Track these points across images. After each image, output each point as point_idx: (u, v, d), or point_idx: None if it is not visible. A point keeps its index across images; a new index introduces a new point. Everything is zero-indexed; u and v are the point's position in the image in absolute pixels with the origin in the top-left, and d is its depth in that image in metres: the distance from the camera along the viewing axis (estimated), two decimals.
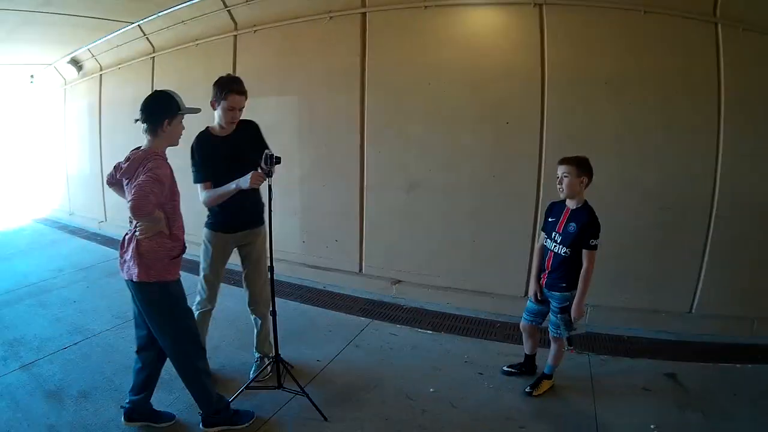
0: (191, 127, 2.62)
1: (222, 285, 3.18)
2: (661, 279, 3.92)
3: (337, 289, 4.66)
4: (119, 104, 6.15)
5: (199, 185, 2.83)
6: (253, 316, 3.20)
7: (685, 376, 3.30)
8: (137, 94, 5.50)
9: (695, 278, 3.89)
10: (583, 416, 2.87)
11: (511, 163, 4.12)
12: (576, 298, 2.81)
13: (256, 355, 3.25)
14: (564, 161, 2.83)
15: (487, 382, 3.19)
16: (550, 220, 2.96)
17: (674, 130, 3.76)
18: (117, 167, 2.39)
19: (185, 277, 2.55)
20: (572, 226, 2.80)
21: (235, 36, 4.88)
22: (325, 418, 2.73)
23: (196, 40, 5.05)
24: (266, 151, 2.70)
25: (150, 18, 4.91)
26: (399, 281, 4.53)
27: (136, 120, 2.34)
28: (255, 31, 4.76)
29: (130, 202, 2.16)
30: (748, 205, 3.74)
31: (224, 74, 2.85)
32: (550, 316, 2.98)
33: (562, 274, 2.85)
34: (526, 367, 3.25)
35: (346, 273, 4.71)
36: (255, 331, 3.23)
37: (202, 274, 3.03)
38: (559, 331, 2.93)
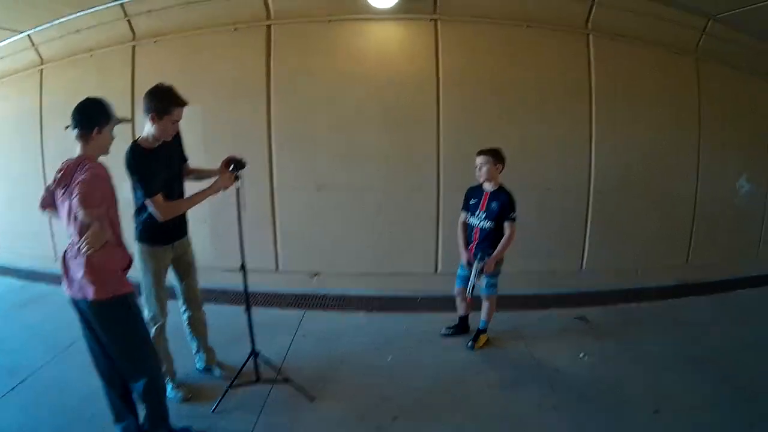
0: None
1: None
2: (555, 245, 4.75)
3: (258, 288, 4.49)
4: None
5: (150, 199, 2.65)
6: (189, 329, 3.21)
7: (593, 317, 4.17)
8: (20, 111, 5.15)
9: (581, 242, 4.81)
10: (522, 357, 3.52)
11: (412, 159, 4.62)
12: (494, 254, 3.41)
13: (202, 365, 3.28)
14: (482, 152, 3.45)
15: (432, 346, 3.68)
16: (471, 202, 3.56)
17: (560, 125, 4.64)
18: (49, 186, 2.32)
19: None
20: (494, 204, 3.42)
21: (134, 46, 4.68)
22: (312, 398, 2.94)
23: (91, 50, 4.76)
24: (233, 155, 2.90)
25: (42, 27, 4.57)
26: (317, 273, 4.75)
27: (67, 127, 2.26)
28: (155, 41, 4.64)
29: (76, 197, 2.07)
30: (616, 180, 4.75)
31: (158, 85, 2.72)
32: (483, 278, 3.51)
33: (489, 243, 3.46)
34: (461, 328, 3.81)
35: (264, 272, 4.66)
36: (195, 343, 3.25)
37: (148, 291, 2.88)
38: (491, 290, 3.55)
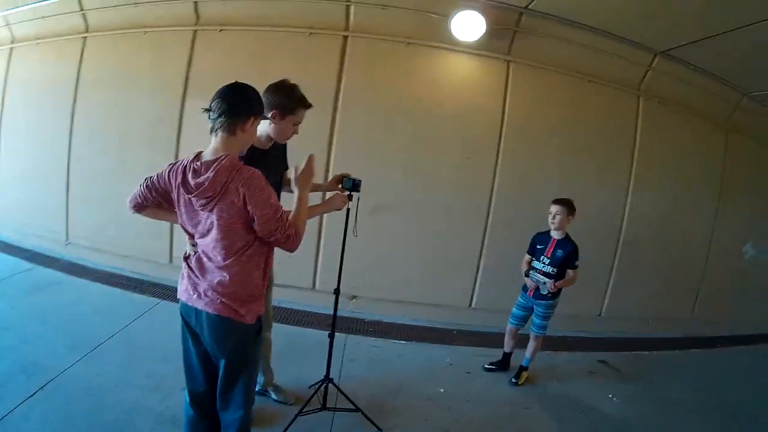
0: None
1: None
2: (581, 290, 4.78)
3: (292, 305, 4.63)
4: (32, 87, 5.14)
5: None
6: None
7: (613, 361, 4.48)
8: (57, 77, 4.87)
9: (604, 289, 5.16)
10: (560, 395, 3.75)
11: (466, 192, 4.74)
12: (559, 282, 3.60)
13: (259, 387, 3.03)
14: (559, 202, 3.62)
15: (478, 379, 3.83)
16: (538, 247, 3.73)
17: (602, 176, 4.95)
18: (178, 182, 1.93)
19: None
20: (560, 252, 3.61)
21: (195, 31, 4.53)
22: (380, 429, 2.93)
23: (146, 27, 4.54)
24: (347, 173, 2.79)
25: None
26: (355, 296, 4.78)
27: (206, 110, 1.94)
28: (221, 30, 4.50)
29: (262, 210, 1.87)
30: (643, 232, 5.12)
31: (284, 81, 2.51)
32: (534, 319, 3.76)
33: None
34: (503, 364, 4.00)
35: (301, 289, 4.73)
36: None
37: None
38: (541, 331, 3.76)
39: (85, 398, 2.78)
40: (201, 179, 1.86)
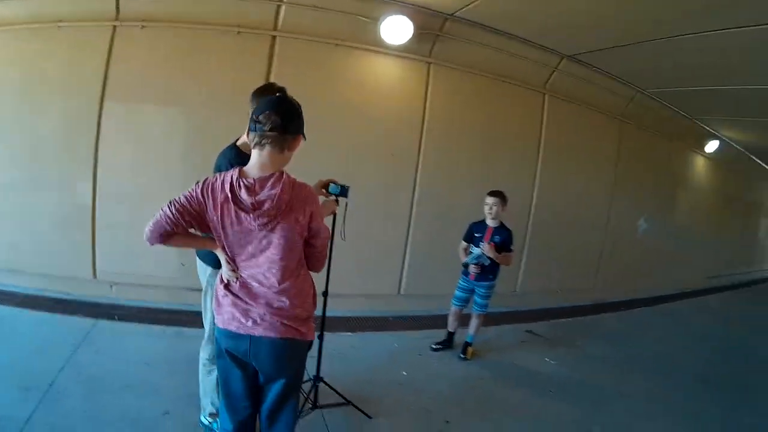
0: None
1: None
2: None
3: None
4: None
5: None
6: None
7: (537, 330, 5.16)
8: None
9: (518, 267, 5.78)
10: (505, 363, 4.27)
11: (390, 188, 5.03)
12: (496, 256, 3.99)
13: None
14: (495, 194, 4.06)
15: (429, 359, 4.17)
16: (476, 234, 4.14)
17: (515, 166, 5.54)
18: (220, 201, 1.79)
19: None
20: (497, 237, 4.06)
21: (115, 27, 4.24)
22: (370, 417, 3.10)
23: (61, 20, 4.17)
24: (336, 181, 2.85)
25: None
26: None
27: (255, 121, 1.79)
28: (143, 26, 4.25)
29: (320, 231, 1.91)
30: (548, 215, 5.81)
31: (277, 84, 2.67)
32: (476, 299, 4.21)
33: (488, 270, 4.10)
34: (448, 342, 4.39)
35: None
36: None
37: None
38: (483, 309, 4.22)
39: None
40: (263, 196, 1.77)
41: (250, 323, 1.87)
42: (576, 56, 5.33)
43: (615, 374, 4.30)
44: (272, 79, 4.39)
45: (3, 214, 4.41)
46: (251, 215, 1.77)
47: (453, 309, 4.30)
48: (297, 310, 1.91)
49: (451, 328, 4.37)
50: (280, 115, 1.77)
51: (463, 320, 4.35)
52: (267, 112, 1.77)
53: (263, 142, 1.78)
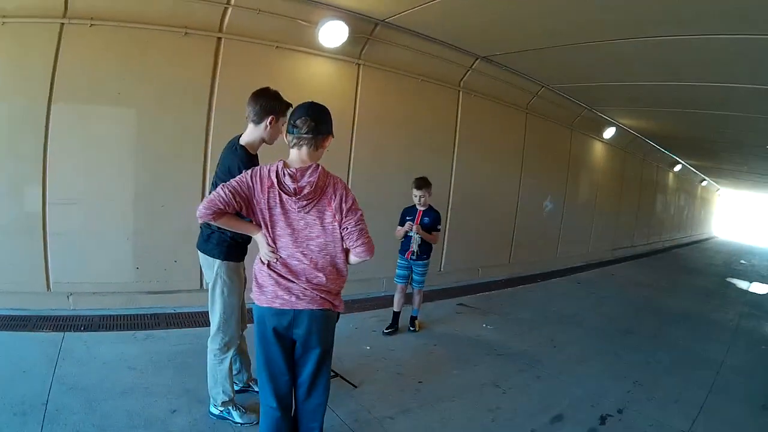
0: None
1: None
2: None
3: (186, 310, 4.63)
4: None
5: None
6: (235, 351, 3.01)
7: (468, 303, 5.95)
8: None
9: (441, 249, 6.62)
10: (449, 332, 5.04)
11: None
12: (426, 236, 4.64)
13: (241, 386, 3.29)
14: (422, 186, 4.62)
15: (386, 336, 4.72)
16: (407, 218, 4.71)
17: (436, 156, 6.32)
18: (267, 186, 2.17)
19: None
20: (427, 219, 4.70)
21: (62, 24, 4.20)
22: (355, 386, 3.52)
23: (5, 16, 4.02)
24: None
25: None
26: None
27: (292, 125, 2.20)
28: (92, 24, 4.28)
29: (357, 213, 2.23)
30: (465, 199, 6.62)
31: (268, 88, 2.84)
32: (414, 277, 4.86)
33: (423, 250, 4.75)
34: (395, 323, 4.88)
35: (190, 292, 4.80)
36: (238, 364, 3.24)
37: (230, 313, 2.86)
38: (421, 285, 4.88)
39: None
40: (303, 183, 2.15)
41: (293, 299, 2.19)
42: (489, 57, 6.13)
43: (544, 332, 5.28)
44: (218, 81, 4.75)
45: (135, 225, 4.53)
46: (293, 198, 2.15)
47: (398, 286, 4.88)
48: (331, 285, 2.24)
49: (396, 308, 4.88)
50: (314, 120, 2.19)
51: (405, 299, 4.94)
52: (303, 117, 2.19)
53: (300, 143, 2.20)
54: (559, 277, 8.01)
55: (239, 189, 2.16)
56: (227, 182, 2.19)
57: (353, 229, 2.22)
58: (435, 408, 3.43)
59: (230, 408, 2.94)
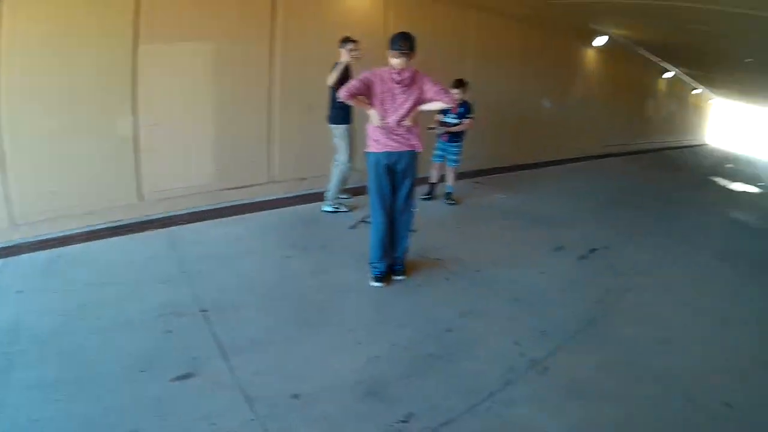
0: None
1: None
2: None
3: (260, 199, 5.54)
4: None
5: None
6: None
7: (482, 182, 7.48)
8: None
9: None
10: (476, 203, 6.42)
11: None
12: (460, 126, 5.87)
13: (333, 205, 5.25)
14: (458, 85, 5.62)
15: (427, 206, 5.87)
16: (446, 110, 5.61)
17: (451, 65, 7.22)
18: (384, 79, 3.44)
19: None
20: (462, 109, 5.80)
21: None
22: (414, 230, 4.08)
23: None
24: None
25: None
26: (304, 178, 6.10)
27: (402, 48, 3.34)
28: None
29: (441, 91, 3.48)
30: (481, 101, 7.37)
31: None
32: (449, 157, 6.07)
33: (457, 134, 5.95)
34: (431, 192, 6.24)
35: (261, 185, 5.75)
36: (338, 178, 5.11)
37: (348, 142, 5.02)
38: (455, 164, 6.09)
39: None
40: (403, 76, 3.43)
41: (397, 144, 3.54)
42: None
43: (551, 201, 6.94)
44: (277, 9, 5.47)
45: (46, 161, 4.34)
46: (397, 85, 3.46)
47: (435, 164, 6.13)
48: (414, 135, 3.58)
49: (433, 180, 6.18)
50: (409, 42, 3.39)
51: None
52: (402, 40, 3.37)
53: (400, 55, 3.38)
54: (555, 166, 9.68)
55: (365, 82, 3.48)
56: (358, 77, 3.54)
57: (438, 89, 3.51)
58: (468, 243, 4.86)
59: (338, 205, 5.22)
